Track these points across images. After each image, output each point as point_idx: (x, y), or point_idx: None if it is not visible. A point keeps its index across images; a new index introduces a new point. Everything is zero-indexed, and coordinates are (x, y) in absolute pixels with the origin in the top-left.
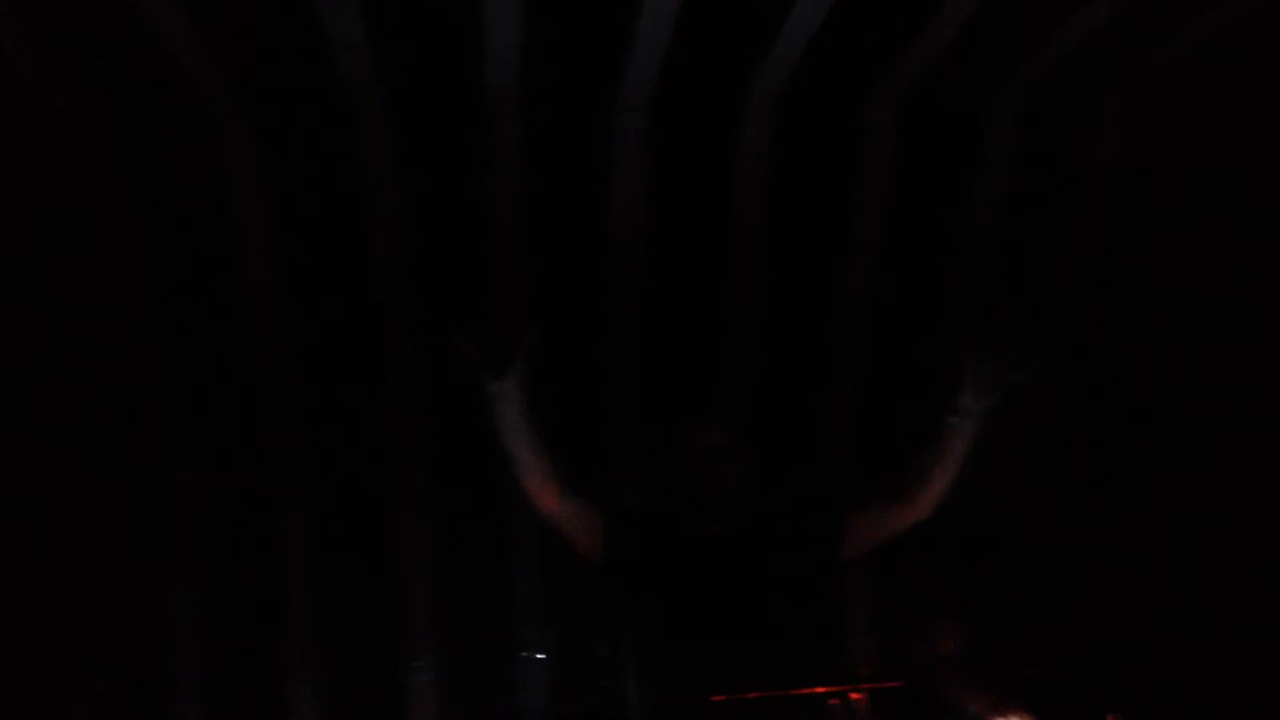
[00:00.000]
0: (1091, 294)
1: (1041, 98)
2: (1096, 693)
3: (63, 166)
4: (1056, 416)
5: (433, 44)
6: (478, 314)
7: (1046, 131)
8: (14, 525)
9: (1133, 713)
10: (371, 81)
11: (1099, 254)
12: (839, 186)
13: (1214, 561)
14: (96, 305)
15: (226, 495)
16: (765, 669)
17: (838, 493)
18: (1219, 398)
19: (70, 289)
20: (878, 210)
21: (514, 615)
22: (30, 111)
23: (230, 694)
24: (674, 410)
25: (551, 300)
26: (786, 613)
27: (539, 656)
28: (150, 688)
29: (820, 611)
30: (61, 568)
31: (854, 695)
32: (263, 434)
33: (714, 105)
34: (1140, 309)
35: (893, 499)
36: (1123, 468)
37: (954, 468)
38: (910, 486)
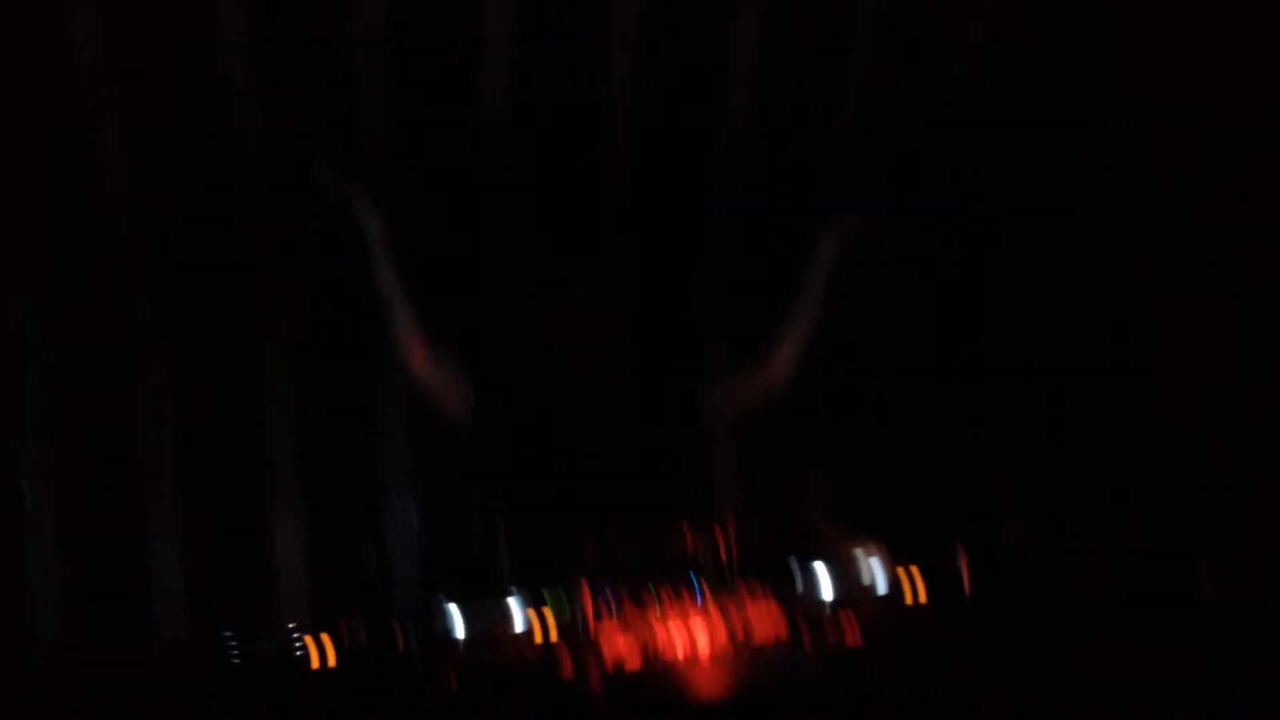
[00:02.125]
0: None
1: None
2: (944, 523)
3: None
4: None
5: None
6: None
7: None
8: None
9: (977, 539)
10: None
11: (969, 122)
12: (710, 43)
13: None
14: None
15: (82, 337)
16: (632, 511)
17: (706, 358)
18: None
19: None
20: (749, 68)
21: (383, 464)
22: None
23: (91, 556)
24: (543, 278)
25: (417, 157)
26: (652, 462)
27: (409, 504)
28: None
29: (685, 459)
30: None
31: (717, 530)
32: (118, 284)
33: None
34: (1011, 179)
35: (753, 362)
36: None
37: (803, 325)
38: (768, 349)
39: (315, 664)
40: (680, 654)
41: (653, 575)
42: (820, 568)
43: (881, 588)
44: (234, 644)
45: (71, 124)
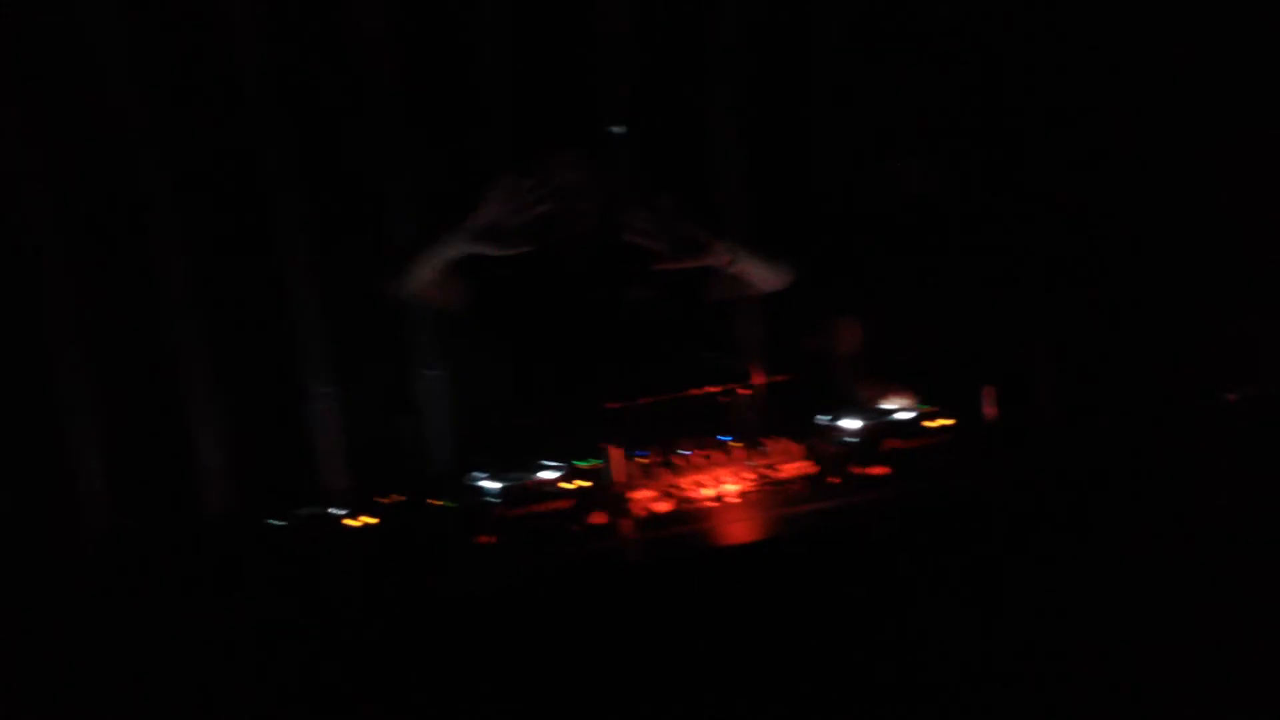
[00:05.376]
0: None
1: None
2: (973, 371)
3: None
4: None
5: None
6: None
7: None
8: None
9: (1006, 386)
10: None
11: None
12: None
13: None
14: None
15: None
16: (656, 378)
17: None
18: None
19: None
20: None
21: (413, 334)
22: None
23: (130, 434)
24: (537, 146)
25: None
26: (668, 326)
27: (437, 373)
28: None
29: (701, 322)
30: None
31: (742, 391)
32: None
33: None
34: None
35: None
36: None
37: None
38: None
39: (355, 523)
40: (709, 499)
41: (681, 438)
42: (849, 422)
43: (909, 434)
44: (275, 512)
45: None
